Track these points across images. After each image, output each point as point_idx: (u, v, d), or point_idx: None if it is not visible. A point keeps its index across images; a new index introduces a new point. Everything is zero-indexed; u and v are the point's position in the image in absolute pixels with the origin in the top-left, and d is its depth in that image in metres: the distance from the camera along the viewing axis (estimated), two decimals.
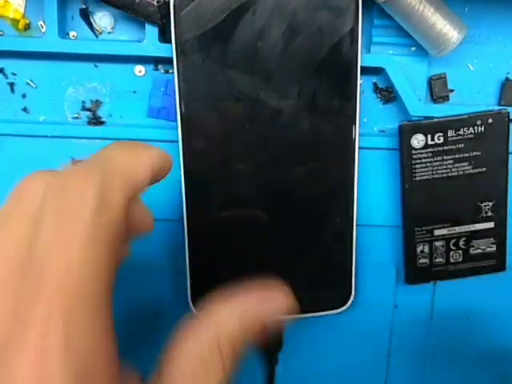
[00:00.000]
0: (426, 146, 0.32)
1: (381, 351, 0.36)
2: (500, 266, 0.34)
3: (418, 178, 0.32)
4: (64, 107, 0.33)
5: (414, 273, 0.34)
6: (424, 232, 0.33)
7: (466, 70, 0.33)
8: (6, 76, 0.32)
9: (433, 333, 0.36)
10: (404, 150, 0.32)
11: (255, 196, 0.31)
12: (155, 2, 0.29)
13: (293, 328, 0.36)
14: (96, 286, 0.17)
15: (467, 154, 0.32)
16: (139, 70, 0.33)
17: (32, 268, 0.17)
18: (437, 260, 0.34)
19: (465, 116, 0.32)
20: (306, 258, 0.32)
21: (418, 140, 0.32)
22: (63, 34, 0.32)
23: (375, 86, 0.33)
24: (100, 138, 0.33)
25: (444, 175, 0.32)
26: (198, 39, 0.29)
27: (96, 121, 0.33)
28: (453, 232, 0.33)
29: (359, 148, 0.31)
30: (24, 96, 0.33)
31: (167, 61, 0.31)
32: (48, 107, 0.33)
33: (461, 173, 0.32)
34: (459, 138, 0.32)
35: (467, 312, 0.36)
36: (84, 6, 0.32)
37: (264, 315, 0.21)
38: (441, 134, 0.32)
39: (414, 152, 0.32)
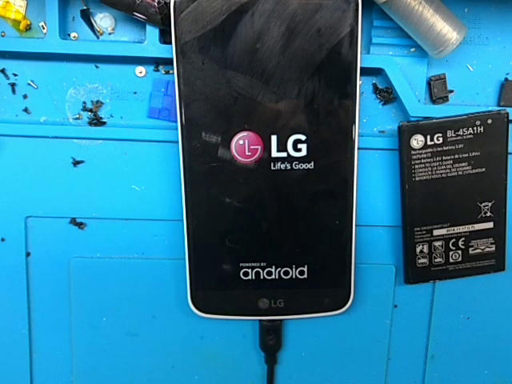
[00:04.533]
0: (426, 146, 0.32)
1: (380, 351, 0.36)
2: (499, 266, 0.34)
3: (417, 179, 0.32)
4: (65, 108, 0.33)
5: (414, 273, 0.34)
6: (423, 232, 0.33)
7: (465, 71, 0.33)
8: (7, 77, 0.33)
9: (433, 333, 0.36)
10: (403, 151, 0.32)
11: (255, 196, 0.32)
12: (156, 4, 0.30)
13: (293, 328, 0.36)
14: None
15: (466, 155, 0.32)
16: (140, 70, 0.33)
17: None
18: (436, 260, 0.34)
19: (464, 116, 0.32)
20: (305, 258, 0.32)
21: (417, 140, 0.32)
22: (64, 34, 0.32)
23: (375, 86, 0.33)
24: (101, 139, 0.33)
25: (443, 175, 0.32)
26: (197, 40, 0.29)
27: (97, 121, 0.33)
28: (452, 232, 0.33)
29: (359, 148, 0.31)
30: (25, 97, 0.33)
31: (168, 62, 0.31)
32: (49, 108, 0.33)
33: (460, 173, 0.32)
34: (458, 138, 0.32)
35: (467, 312, 0.36)
36: (85, 7, 0.32)
37: None
38: (440, 135, 0.32)
39: (413, 152, 0.32)
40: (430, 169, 0.32)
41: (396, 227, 0.35)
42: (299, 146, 0.31)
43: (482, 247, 0.34)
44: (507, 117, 0.32)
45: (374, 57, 0.32)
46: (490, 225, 0.33)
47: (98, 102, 0.33)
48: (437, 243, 0.33)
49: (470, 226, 0.33)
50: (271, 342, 0.35)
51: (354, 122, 0.31)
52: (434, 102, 0.33)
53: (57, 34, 0.31)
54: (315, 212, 0.32)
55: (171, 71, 0.33)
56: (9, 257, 0.34)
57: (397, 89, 0.32)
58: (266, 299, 0.33)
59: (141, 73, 0.33)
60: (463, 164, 0.32)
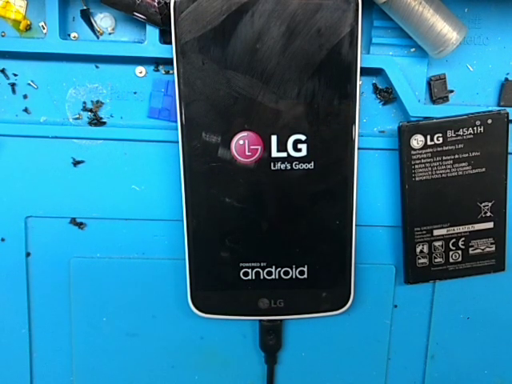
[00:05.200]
0: (426, 146, 0.32)
1: (380, 351, 0.36)
2: (499, 266, 0.34)
3: (417, 179, 0.32)
4: (65, 108, 0.33)
5: (414, 273, 0.34)
6: (423, 232, 0.33)
7: (465, 71, 0.33)
8: (7, 77, 0.33)
9: (433, 333, 0.36)
10: (403, 151, 0.32)
11: (255, 196, 0.32)
12: (156, 4, 0.30)
13: (293, 328, 0.36)
14: None
15: (466, 155, 0.32)
16: (140, 70, 0.33)
17: None
18: (436, 260, 0.34)
19: (464, 116, 0.32)
20: (305, 258, 0.32)
21: (417, 140, 0.32)
22: (64, 35, 0.32)
23: (375, 86, 0.33)
24: (101, 139, 0.33)
25: (443, 175, 0.32)
26: (198, 40, 0.29)
27: (97, 121, 0.33)
28: (452, 232, 0.33)
29: (359, 148, 0.31)
30: (25, 97, 0.33)
31: (168, 62, 0.31)
32: (49, 108, 0.33)
33: (460, 173, 0.32)
34: (458, 138, 0.32)
35: (467, 312, 0.36)
36: (85, 7, 0.32)
37: None
38: (440, 135, 0.32)
39: (413, 152, 0.32)
40: (429, 169, 0.32)
41: (396, 227, 0.35)
42: (299, 145, 0.31)
43: (482, 247, 0.34)
44: (507, 117, 0.32)
45: (373, 57, 0.32)
46: (490, 225, 0.33)
47: (97, 101, 0.33)
48: (437, 243, 0.33)
49: (470, 225, 0.33)
50: (271, 342, 0.35)
51: (354, 122, 0.31)
52: (434, 101, 0.33)
53: (57, 33, 0.31)
54: (315, 212, 0.32)
55: (171, 71, 0.33)
56: (9, 257, 0.34)
57: (397, 89, 0.32)
58: (265, 299, 0.33)
59: (141, 73, 0.33)
60: (463, 164, 0.32)
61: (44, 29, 0.32)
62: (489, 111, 0.32)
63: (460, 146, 0.32)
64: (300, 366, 0.37)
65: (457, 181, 0.32)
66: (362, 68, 0.30)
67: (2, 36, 0.32)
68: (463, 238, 0.33)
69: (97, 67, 0.33)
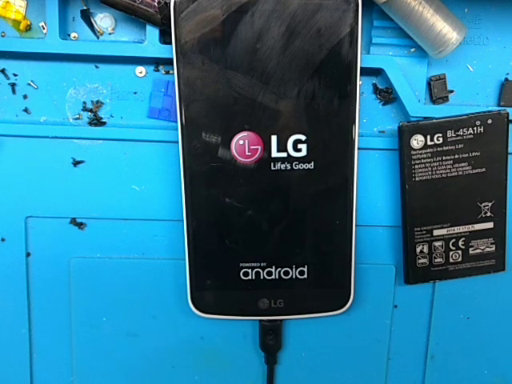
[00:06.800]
0: (426, 146, 0.32)
1: (380, 351, 0.36)
2: (499, 266, 0.34)
3: (417, 179, 0.32)
4: (65, 108, 0.33)
5: (414, 273, 0.34)
6: (423, 232, 0.33)
7: (465, 71, 0.33)
8: (7, 77, 0.33)
9: (433, 333, 0.36)
10: (403, 151, 0.32)
11: (255, 196, 0.32)
12: (156, 4, 0.30)
13: (293, 328, 0.36)
14: None
15: (466, 155, 0.32)
16: (140, 70, 0.33)
17: None
18: (436, 260, 0.34)
19: (464, 116, 0.32)
20: (305, 259, 0.32)
21: (417, 140, 0.32)
22: (64, 35, 0.32)
23: (375, 86, 0.33)
24: (101, 139, 0.33)
25: (443, 175, 0.32)
26: (197, 40, 0.29)
27: (97, 121, 0.33)
28: (452, 232, 0.33)
29: (359, 148, 0.31)
30: (25, 97, 0.33)
31: (168, 62, 0.32)
32: (49, 108, 0.33)
33: (460, 173, 0.32)
34: (458, 138, 0.32)
35: (467, 312, 0.36)
36: (85, 8, 0.32)
37: None
38: (440, 135, 0.32)
39: (413, 152, 0.32)
40: (430, 169, 0.32)
41: (396, 227, 0.35)
42: (299, 146, 0.31)
43: (482, 247, 0.34)
44: (507, 117, 0.32)
45: (373, 57, 0.32)
46: (490, 225, 0.33)
47: (98, 102, 0.33)
48: (437, 243, 0.33)
49: (470, 226, 0.33)
50: (271, 342, 0.35)
51: (354, 122, 0.31)
52: (434, 102, 0.33)
53: (57, 34, 0.31)
54: (315, 212, 0.32)
55: (171, 71, 0.33)
56: (9, 257, 0.34)
57: (397, 89, 0.32)
58: (265, 299, 0.33)
59: (141, 73, 0.33)
60: (463, 164, 0.32)
61: (44, 29, 0.32)
62: (489, 111, 0.32)
63: (460, 145, 0.32)
64: (300, 366, 0.37)
65: (457, 181, 0.32)
66: (362, 68, 0.30)
67: (2, 36, 0.32)
68: (463, 238, 0.33)
69: (97, 67, 0.33)
